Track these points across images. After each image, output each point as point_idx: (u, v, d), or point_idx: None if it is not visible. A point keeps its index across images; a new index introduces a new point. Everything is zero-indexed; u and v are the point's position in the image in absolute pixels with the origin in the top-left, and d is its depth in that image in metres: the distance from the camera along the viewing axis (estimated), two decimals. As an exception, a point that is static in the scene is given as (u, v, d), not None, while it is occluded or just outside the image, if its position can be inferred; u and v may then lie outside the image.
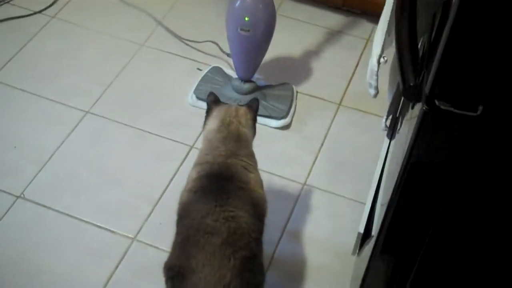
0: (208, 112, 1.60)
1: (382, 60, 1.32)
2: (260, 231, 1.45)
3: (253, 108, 1.59)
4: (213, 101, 1.60)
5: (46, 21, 2.46)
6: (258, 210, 1.46)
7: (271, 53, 2.23)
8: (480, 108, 0.92)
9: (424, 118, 0.96)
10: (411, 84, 1.02)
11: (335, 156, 2.08)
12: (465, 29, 0.87)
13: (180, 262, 1.38)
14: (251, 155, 1.55)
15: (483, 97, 0.92)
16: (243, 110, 1.58)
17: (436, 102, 0.94)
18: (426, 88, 0.94)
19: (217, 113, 1.57)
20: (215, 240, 1.35)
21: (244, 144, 1.54)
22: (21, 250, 1.77)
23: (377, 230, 1.23)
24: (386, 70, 1.51)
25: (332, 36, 2.48)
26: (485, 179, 1.02)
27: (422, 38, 1.22)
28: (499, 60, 0.89)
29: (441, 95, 0.93)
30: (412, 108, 1.10)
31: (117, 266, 1.75)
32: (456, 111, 0.93)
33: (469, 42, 0.88)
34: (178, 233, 1.44)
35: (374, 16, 2.17)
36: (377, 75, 1.36)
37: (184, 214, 1.44)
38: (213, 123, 1.57)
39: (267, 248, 1.78)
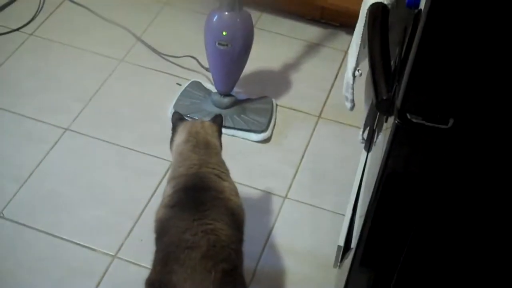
0: (174, 129, 1.63)
1: (357, 73, 1.34)
2: (240, 241, 1.46)
3: (217, 122, 1.63)
4: (177, 119, 1.63)
5: (24, 39, 2.45)
6: (235, 219, 1.46)
7: (250, 67, 2.24)
8: (451, 120, 0.94)
9: (396, 131, 0.97)
10: (384, 97, 1.03)
11: (316, 169, 2.09)
12: (433, 42, 0.89)
13: (161, 277, 1.38)
14: (222, 163, 1.57)
15: (453, 110, 0.94)
16: (207, 123, 1.61)
17: (408, 116, 0.95)
18: (397, 102, 0.95)
19: (183, 127, 1.60)
20: (195, 255, 1.35)
21: (214, 152, 1.56)
22: (0, 269, 1.75)
23: (356, 242, 1.24)
24: (363, 82, 1.53)
25: (311, 48, 2.50)
26: (459, 189, 1.03)
27: (395, 51, 1.24)
28: (469, 73, 0.90)
29: (412, 109, 0.95)
30: (386, 121, 1.12)
31: (98, 284, 1.74)
32: (428, 124, 0.94)
33: (438, 56, 0.90)
34: (157, 251, 1.44)
35: (352, 28, 2.16)
36: (352, 88, 1.37)
37: (163, 232, 1.44)
38: (180, 136, 1.58)
39: (249, 262, 1.78)
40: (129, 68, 2.37)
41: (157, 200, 1.93)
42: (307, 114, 2.26)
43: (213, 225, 1.40)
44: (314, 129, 2.21)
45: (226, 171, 1.56)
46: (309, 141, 2.17)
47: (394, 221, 1.11)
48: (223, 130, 2.14)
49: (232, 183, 1.55)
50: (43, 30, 2.49)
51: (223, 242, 1.38)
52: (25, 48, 2.42)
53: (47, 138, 2.10)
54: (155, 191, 1.97)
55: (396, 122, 0.96)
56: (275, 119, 2.21)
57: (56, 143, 2.09)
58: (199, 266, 1.34)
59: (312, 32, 2.56)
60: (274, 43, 2.50)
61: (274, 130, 2.18)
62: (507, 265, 1.13)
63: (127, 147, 2.09)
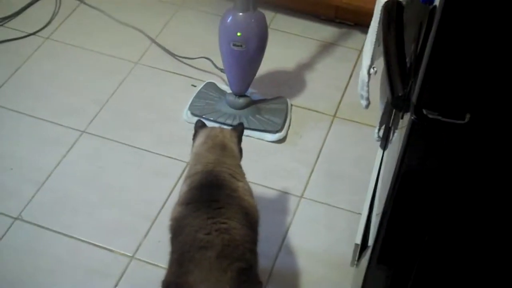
0: (195, 135, 1.65)
1: (372, 70, 1.33)
2: (254, 241, 1.45)
3: (238, 130, 1.64)
4: (200, 126, 1.65)
5: (40, 43, 2.47)
6: (249, 219, 1.46)
7: (264, 67, 2.25)
8: (468, 115, 0.93)
9: (412, 128, 0.97)
10: (399, 94, 1.02)
11: (332, 168, 2.08)
12: (449, 37, 0.88)
13: (178, 278, 1.38)
14: (238, 166, 1.58)
15: (470, 104, 0.93)
16: (227, 129, 1.64)
17: (424, 111, 0.94)
18: (413, 98, 0.95)
19: (203, 133, 1.62)
20: (210, 254, 1.35)
21: (230, 154, 1.57)
22: (19, 272, 1.77)
23: (373, 240, 1.23)
24: (378, 80, 1.52)
25: (325, 48, 2.50)
26: (476, 185, 1.03)
27: (411, 48, 1.23)
28: (485, 67, 0.90)
29: (428, 104, 0.94)
30: (402, 118, 1.11)
31: (116, 285, 1.75)
32: (444, 119, 0.94)
33: (454, 50, 0.89)
34: (173, 251, 1.45)
35: (366, 27, 2.16)
36: (367, 86, 1.36)
37: (178, 230, 1.45)
38: (199, 139, 1.61)
39: (265, 262, 1.78)
40: (144, 70, 2.38)
41: (174, 201, 1.94)
42: (322, 114, 2.25)
43: (227, 224, 1.40)
44: (329, 129, 2.20)
45: (241, 173, 1.56)
46: (324, 141, 2.16)
47: (411, 219, 1.10)
48: (239, 130, 2.16)
49: (247, 184, 1.55)
50: (59, 33, 2.51)
51: (237, 241, 1.38)
52: (41, 52, 2.44)
53: (64, 141, 2.11)
54: (171, 192, 1.98)
55: (412, 118, 0.96)
56: (290, 119, 2.21)
57: (73, 145, 2.11)
58: (215, 266, 1.35)
59: (326, 31, 2.56)
60: (289, 43, 2.50)
61: (289, 130, 2.18)
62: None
63: (143, 149, 2.10)
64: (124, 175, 2.03)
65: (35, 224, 1.88)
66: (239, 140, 1.64)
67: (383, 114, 1.37)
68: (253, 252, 1.43)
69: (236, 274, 1.34)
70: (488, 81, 0.91)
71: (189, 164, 1.61)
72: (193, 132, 1.66)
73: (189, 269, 1.36)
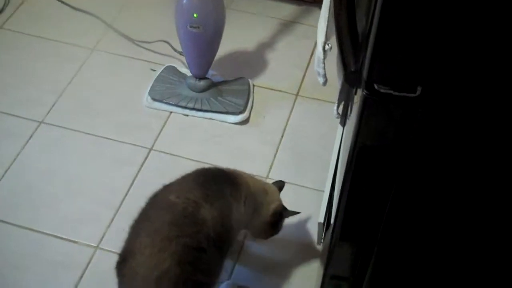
0: None
1: (327, 47, 1.32)
2: (220, 239, 1.38)
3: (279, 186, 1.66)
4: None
5: (-8, 33, 2.40)
6: (227, 224, 1.41)
7: (224, 48, 2.22)
8: (419, 89, 0.92)
9: (365, 103, 0.96)
10: (352, 69, 1.01)
11: (296, 147, 2.08)
12: (396, 8, 0.87)
13: (127, 244, 1.36)
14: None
15: (421, 77, 0.92)
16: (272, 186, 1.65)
17: (375, 86, 0.93)
18: (364, 72, 0.94)
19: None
20: (166, 217, 1.30)
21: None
22: (-19, 268, 1.73)
23: (333, 218, 1.23)
24: (336, 57, 1.51)
25: (286, 26, 2.48)
26: (431, 157, 1.02)
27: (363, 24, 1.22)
28: (434, 39, 0.89)
29: (379, 79, 0.93)
30: (356, 93, 1.10)
31: (81, 276, 1.72)
32: (396, 93, 0.93)
33: (401, 23, 0.88)
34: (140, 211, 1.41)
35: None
36: (324, 63, 1.35)
37: (159, 191, 1.42)
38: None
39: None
40: (102, 57, 2.33)
41: (137, 189, 1.92)
42: (284, 93, 2.24)
43: (200, 201, 1.34)
44: (292, 108, 2.19)
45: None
46: (288, 120, 2.15)
47: (369, 194, 1.10)
48: (201, 114, 2.14)
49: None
50: (13, 22, 2.44)
51: (197, 219, 1.32)
52: (-6, 42, 2.37)
53: (22, 133, 2.06)
54: (134, 179, 1.95)
55: (364, 93, 0.94)
56: (253, 99, 2.19)
57: (31, 137, 2.06)
58: (164, 231, 1.29)
59: (286, 9, 2.54)
60: (248, 23, 2.47)
61: (252, 111, 2.16)
62: (483, 235, 1.13)
63: (103, 137, 2.07)
64: (86, 165, 1.99)
65: (-5, 219, 1.84)
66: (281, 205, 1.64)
67: (341, 91, 1.36)
68: (213, 244, 1.35)
69: (181, 248, 1.27)
70: (438, 53, 0.90)
71: None
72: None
73: (142, 228, 1.33)
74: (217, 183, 1.44)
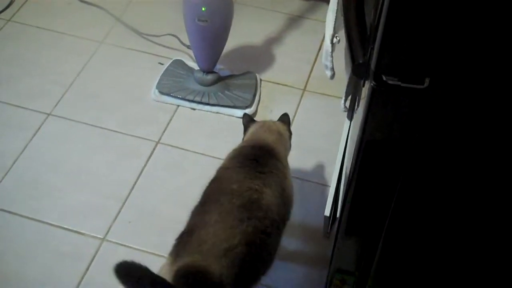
0: (246, 130, 1.69)
1: (335, 40, 1.31)
2: (282, 218, 1.45)
3: (286, 120, 1.70)
4: (248, 121, 1.70)
5: (2, 25, 2.41)
6: (285, 197, 1.48)
7: (232, 42, 2.22)
8: (427, 80, 0.92)
9: (373, 94, 0.96)
10: (360, 61, 1.01)
11: (303, 142, 2.07)
12: (404, 1, 0.87)
13: (193, 221, 1.39)
14: (286, 157, 1.64)
15: (429, 69, 0.92)
16: (279, 122, 1.69)
17: (384, 77, 0.93)
18: (372, 64, 0.93)
19: (256, 124, 1.68)
20: (235, 201, 1.37)
21: (285, 143, 1.64)
22: (-12, 258, 1.74)
23: (340, 212, 1.23)
24: (344, 51, 1.50)
25: (294, 21, 2.47)
26: (438, 150, 1.02)
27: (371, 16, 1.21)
28: (442, 31, 0.88)
29: (387, 70, 0.93)
30: (363, 85, 1.10)
31: (88, 268, 1.73)
32: (404, 85, 0.92)
33: (410, 14, 0.88)
34: (201, 197, 1.45)
35: (332, -2, 2.16)
36: (331, 56, 1.35)
37: (215, 178, 1.47)
38: (253, 128, 1.66)
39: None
40: (110, 50, 2.33)
41: (143, 182, 1.93)
42: (291, 88, 2.24)
43: (260, 188, 1.41)
44: (299, 102, 2.19)
45: (287, 164, 1.61)
46: (295, 114, 2.15)
47: (376, 187, 1.10)
48: (208, 107, 2.14)
49: (289, 169, 1.60)
50: (21, 15, 2.45)
51: (262, 205, 1.39)
52: (3, 34, 2.38)
53: (30, 125, 2.07)
54: (141, 172, 1.95)
55: (372, 84, 0.94)
56: (260, 94, 2.19)
57: (38, 129, 2.06)
58: (234, 212, 1.35)
59: (294, 4, 2.53)
60: (256, 18, 2.47)
61: (259, 105, 2.16)
62: (488, 232, 1.12)
63: (111, 129, 2.07)
64: (93, 157, 2.00)
65: (3, 210, 1.85)
66: (289, 129, 1.70)
67: (348, 84, 1.36)
68: (276, 227, 1.41)
69: (252, 230, 1.33)
70: (446, 44, 0.89)
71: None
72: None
73: (210, 208, 1.37)
74: (267, 164, 1.50)
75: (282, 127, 1.67)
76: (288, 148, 1.67)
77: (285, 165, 1.58)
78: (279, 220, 1.43)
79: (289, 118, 1.71)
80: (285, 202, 1.49)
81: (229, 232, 1.32)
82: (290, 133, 1.70)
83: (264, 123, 1.68)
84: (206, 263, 1.27)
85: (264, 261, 1.39)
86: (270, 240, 1.39)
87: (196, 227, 1.35)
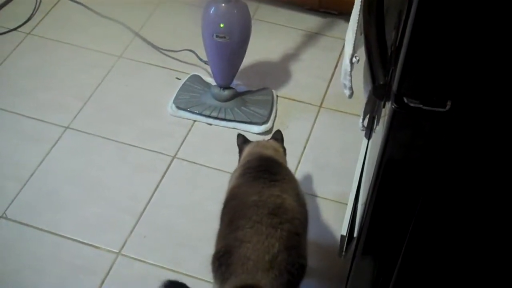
0: (240, 151, 1.71)
1: (354, 59, 1.31)
2: (305, 218, 1.48)
3: (279, 137, 1.73)
4: (242, 142, 1.72)
5: (21, 38, 2.44)
6: (301, 200, 1.50)
7: (249, 59, 2.23)
8: (449, 103, 0.92)
9: (394, 116, 0.95)
10: (381, 82, 1.01)
11: (318, 159, 2.07)
12: (427, 24, 0.87)
13: (226, 241, 1.39)
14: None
15: (450, 92, 0.92)
16: (271, 140, 1.72)
17: (405, 100, 0.93)
18: (394, 86, 0.93)
19: (251, 144, 1.70)
20: (262, 211, 1.38)
21: (282, 157, 1.66)
22: (3, 270, 1.75)
23: (358, 231, 1.22)
24: (363, 69, 1.51)
25: (310, 38, 2.48)
26: (459, 173, 1.02)
27: (392, 37, 1.22)
28: (464, 54, 0.89)
29: (409, 93, 0.93)
30: (384, 106, 1.10)
31: (103, 282, 1.73)
32: (425, 107, 0.92)
33: (433, 38, 0.88)
34: (223, 219, 1.46)
35: (350, 16, 2.17)
36: (350, 75, 1.35)
37: (231, 197, 1.48)
38: (249, 148, 1.68)
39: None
40: (128, 64, 2.35)
41: (159, 197, 1.94)
42: (308, 104, 2.24)
43: (279, 193, 1.44)
44: (315, 119, 2.19)
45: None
46: (310, 131, 2.15)
47: (395, 208, 1.09)
48: (225, 123, 2.15)
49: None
50: (41, 29, 2.48)
51: (287, 207, 1.41)
52: (23, 47, 2.41)
53: (48, 137, 2.09)
54: (157, 187, 1.96)
55: (393, 107, 0.94)
56: (276, 110, 2.20)
57: (56, 142, 2.08)
58: (265, 221, 1.37)
59: (310, 21, 2.54)
60: (273, 34, 2.48)
61: (275, 122, 2.17)
62: (505, 255, 1.11)
63: (128, 144, 2.08)
64: (109, 171, 2.01)
65: (19, 222, 1.86)
66: (283, 146, 1.72)
67: (367, 103, 1.35)
68: (302, 224, 1.44)
69: (286, 234, 1.35)
70: (468, 68, 0.89)
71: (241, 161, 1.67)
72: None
73: (240, 224, 1.38)
74: (278, 172, 1.53)
75: (276, 144, 1.70)
76: (285, 162, 1.69)
77: (291, 173, 1.62)
78: (303, 220, 1.48)
79: (281, 135, 1.74)
80: (301, 204, 1.52)
81: (267, 242, 1.34)
82: (284, 149, 1.72)
83: (258, 142, 1.71)
84: (255, 281, 1.30)
85: (303, 263, 1.42)
86: (302, 240, 1.44)
87: (232, 247, 1.36)
